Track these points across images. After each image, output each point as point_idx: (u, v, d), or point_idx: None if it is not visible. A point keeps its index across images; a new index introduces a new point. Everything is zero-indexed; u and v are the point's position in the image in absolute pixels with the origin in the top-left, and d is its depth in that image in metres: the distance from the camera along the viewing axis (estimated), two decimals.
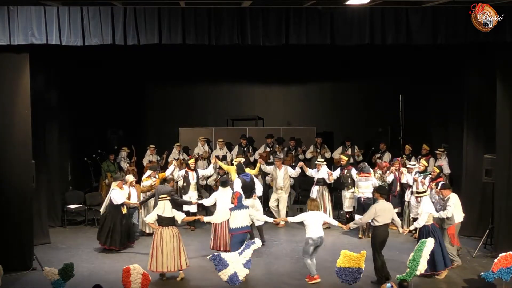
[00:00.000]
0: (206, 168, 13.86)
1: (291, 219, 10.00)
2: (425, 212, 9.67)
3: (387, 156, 14.52)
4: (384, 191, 9.93)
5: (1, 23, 9.48)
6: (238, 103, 17.06)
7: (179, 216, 9.86)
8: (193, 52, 14.23)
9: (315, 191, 12.61)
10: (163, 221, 9.70)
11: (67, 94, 13.67)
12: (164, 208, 9.71)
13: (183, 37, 9.81)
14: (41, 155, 11.76)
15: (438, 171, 11.68)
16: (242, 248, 9.06)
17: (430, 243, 9.05)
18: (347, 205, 12.77)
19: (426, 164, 12.19)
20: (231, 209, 9.89)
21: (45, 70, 12.17)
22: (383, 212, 9.43)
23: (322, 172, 12.61)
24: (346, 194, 12.77)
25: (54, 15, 9.56)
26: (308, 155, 14.70)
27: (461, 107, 12.36)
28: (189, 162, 13.09)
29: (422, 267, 8.89)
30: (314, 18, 9.93)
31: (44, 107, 12.10)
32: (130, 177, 11.92)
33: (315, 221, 9.53)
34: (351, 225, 10.18)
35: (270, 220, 10.35)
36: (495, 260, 9.00)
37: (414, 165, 11.43)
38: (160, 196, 9.99)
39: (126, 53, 13.27)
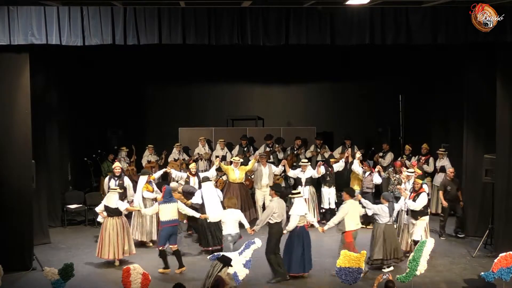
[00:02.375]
0: (208, 170, 13.78)
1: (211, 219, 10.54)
2: (294, 214, 9.66)
3: (389, 156, 14.53)
4: (279, 190, 10.08)
5: (1, 23, 9.48)
6: (238, 103, 17.06)
7: (122, 207, 10.53)
8: (193, 52, 14.25)
9: (306, 191, 12.56)
10: (109, 212, 10.42)
11: (67, 94, 13.68)
12: (111, 199, 10.38)
13: (183, 37, 9.82)
14: (41, 155, 11.76)
15: (420, 172, 11.67)
16: (242, 248, 9.07)
17: (430, 243, 9.06)
18: (330, 202, 12.99)
19: (420, 172, 11.77)
20: (159, 203, 10.27)
21: (45, 70, 12.16)
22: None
23: (308, 172, 12.61)
24: (328, 191, 13.00)
25: (54, 15, 9.56)
26: (308, 154, 14.70)
27: (461, 107, 12.37)
28: (190, 166, 12.54)
29: (422, 267, 8.90)
30: (314, 18, 9.93)
31: (44, 107, 12.09)
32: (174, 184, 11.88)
33: (232, 219, 9.89)
34: (325, 228, 10.10)
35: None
36: (495, 260, 9.00)
37: (413, 172, 11.19)
38: (111, 188, 10.71)
39: (126, 53, 13.27)
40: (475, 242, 11.39)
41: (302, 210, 9.68)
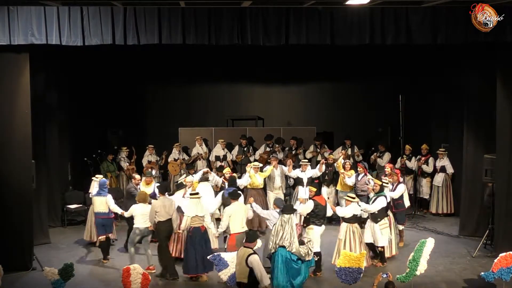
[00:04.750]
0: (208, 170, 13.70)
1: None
2: (185, 214, 9.70)
3: (387, 156, 14.54)
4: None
5: (1, 23, 9.48)
6: (238, 103, 17.06)
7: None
8: (193, 52, 14.24)
9: (308, 191, 12.49)
10: None
11: (67, 94, 13.67)
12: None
13: (183, 37, 9.81)
14: (41, 155, 11.77)
15: (379, 183, 10.81)
16: None
17: (430, 243, 9.05)
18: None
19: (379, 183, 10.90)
20: (94, 195, 10.81)
21: (45, 70, 12.17)
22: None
23: (308, 172, 12.57)
24: (328, 191, 13.00)
25: (54, 15, 9.56)
26: (308, 155, 14.70)
27: (461, 107, 12.37)
28: (224, 171, 12.12)
29: (422, 267, 8.89)
30: (314, 18, 9.93)
31: (44, 107, 12.10)
32: (190, 178, 11.55)
33: (142, 213, 10.02)
34: (217, 232, 10.07)
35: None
36: (495, 260, 9.00)
37: (387, 183, 11.01)
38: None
39: (126, 53, 13.26)
40: (475, 242, 11.38)
41: (197, 210, 9.60)
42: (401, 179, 11.59)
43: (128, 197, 11.35)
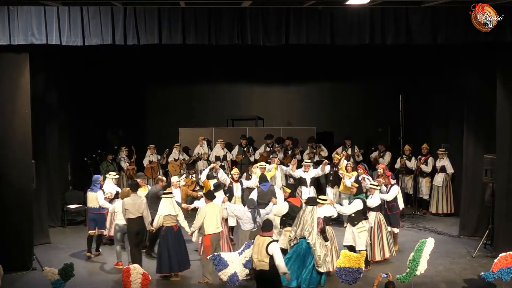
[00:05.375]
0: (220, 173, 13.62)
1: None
2: (158, 213, 9.70)
3: (388, 156, 14.55)
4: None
5: (1, 23, 9.48)
6: (238, 103, 17.06)
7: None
8: (193, 52, 14.24)
9: (312, 191, 12.50)
10: None
11: (67, 94, 13.67)
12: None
13: (183, 37, 9.81)
14: (41, 155, 11.77)
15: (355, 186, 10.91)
16: (242, 248, 9.07)
17: (430, 243, 9.05)
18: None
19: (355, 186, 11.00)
20: (88, 190, 11.21)
21: (45, 70, 12.17)
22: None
23: (311, 172, 12.54)
24: (333, 191, 12.92)
25: (54, 15, 9.56)
26: (306, 156, 14.69)
27: (461, 107, 12.37)
28: (233, 172, 11.86)
29: (422, 267, 8.89)
30: (314, 18, 9.93)
31: (44, 107, 12.11)
32: (175, 178, 11.70)
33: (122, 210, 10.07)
34: (191, 232, 10.05)
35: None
36: (495, 260, 9.01)
37: (377, 185, 10.76)
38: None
39: (126, 53, 13.27)
40: (475, 242, 11.39)
41: (170, 210, 9.63)
42: (393, 181, 11.35)
43: (153, 200, 10.64)
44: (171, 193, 9.97)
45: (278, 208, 9.98)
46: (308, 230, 9.04)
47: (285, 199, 10.07)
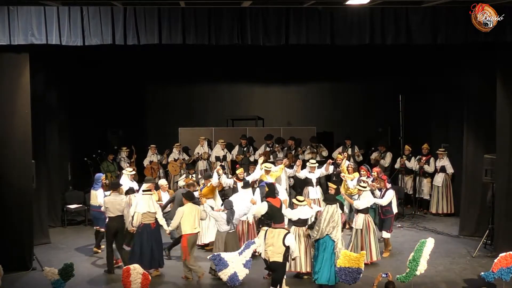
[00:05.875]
0: (207, 170, 13.66)
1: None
2: (135, 211, 9.77)
3: (388, 156, 14.56)
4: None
5: (1, 23, 9.48)
6: (238, 103, 17.05)
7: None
8: (193, 52, 14.24)
9: (319, 192, 12.46)
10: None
11: (67, 94, 13.67)
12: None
13: (183, 37, 9.81)
14: (41, 155, 11.77)
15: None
16: (242, 248, 9.07)
17: (430, 243, 9.05)
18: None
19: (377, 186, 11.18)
20: (91, 188, 11.30)
21: (45, 70, 12.16)
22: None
23: (317, 172, 12.47)
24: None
25: (54, 15, 9.56)
26: (307, 156, 14.69)
27: (461, 107, 12.37)
28: (238, 172, 11.90)
29: (422, 267, 8.89)
30: (314, 18, 9.93)
31: (44, 107, 12.10)
32: (163, 181, 11.83)
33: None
34: (168, 230, 10.17)
35: None
36: (495, 260, 9.01)
37: (365, 187, 10.63)
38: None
39: (126, 53, 13.26)
40: (475, 242, 11.39)
41: (148, 207, 9.72)
42: (388, 185, 11.18)
43: (180, 204, 10.28)
44: (150, 190, 10.08)
45: (257, 208, 9.98)
46: (333, 226, 9.10)
47: (329, 196, 10.03)
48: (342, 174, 12.15)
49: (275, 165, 13.11)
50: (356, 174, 12.23)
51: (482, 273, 9.09)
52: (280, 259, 8.59)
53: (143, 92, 16.65)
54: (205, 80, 16.38)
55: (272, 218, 9.63)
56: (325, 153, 14.81)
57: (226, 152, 14.99)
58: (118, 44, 9.78)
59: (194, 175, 13.07)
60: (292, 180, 13.67)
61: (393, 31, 10.03)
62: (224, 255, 8.93)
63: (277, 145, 14.88)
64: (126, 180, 11.77)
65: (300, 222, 9.60)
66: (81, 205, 13.40)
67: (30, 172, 10.37)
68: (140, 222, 9.72)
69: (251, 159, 14.80)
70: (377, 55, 14.84)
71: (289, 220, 9.87)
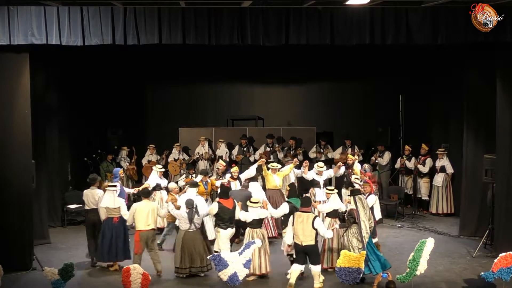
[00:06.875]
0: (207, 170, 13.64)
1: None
2: (101, 206, 10.14)
3: (387, 155, 14.55)
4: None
5: (1, 23, 9.48)
6: (238, 103, 17.04)
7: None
8: (193, 52, 14.23)
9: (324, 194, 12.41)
10: None
11: (67, 94, 13.66)
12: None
13: (183, 37, 9.81)
14: (41, 155, 11.75)
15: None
16: (242, 248, 9.08)
17: (430, 243, 9.06)
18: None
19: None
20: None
21: (45, 70, 12.16)
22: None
23: (324, 174, 12.32)
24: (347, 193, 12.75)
25: (54, 15, 9.56)
26: (312, 155, 14.68)
27: (461, 107, 12.37)
28: (232, 170, 11.99)
29: (422, 267, 8.89)
30: (314, 18, 9.93)
31: (44, 107, 12.10)
32: (173, 185, 11.77)
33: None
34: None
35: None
36: (495, 260, 9.00)
37: (333, 190, 10.33)
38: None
39: (126, 53, 13.27)
40: (475, 242, 11.39)
41: (110, 202, 9.97)
42: (374, 190, 11.07)
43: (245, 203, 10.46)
44: (115, 186, 10.30)
45: (209, 208, 10.12)
46: (370, 218, 9.36)
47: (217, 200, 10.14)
48: (355, 177, 11.74)
49: (283, 165, 12.99)
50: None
51: (482, 273, 9.08)
52: (312, 242, 9.02)
53: (143, 92, 16.64)
54: (205, 80, 16.38)
55: (221, 219, 9.81)
56: (330, 154, 14.80)
57: (226, 152, 14.98)
58: (118, 44, 9.78)
59: (194, 175, 13.07)
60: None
61: (393, 31, 10.03)
62: (224, 255, 8.94)
63: (277, 145, 14.88)
64: (155, 177, 12.18)
65: (255, 224, 9.64)
66: (81, 205, 13.37)
67: (30, 172, 10.37)
68: (106, 216, 10.08)
69: (251, 159, 14.79)
70: (377, 55, 14.84)
71: (244, 222, 9.84)
